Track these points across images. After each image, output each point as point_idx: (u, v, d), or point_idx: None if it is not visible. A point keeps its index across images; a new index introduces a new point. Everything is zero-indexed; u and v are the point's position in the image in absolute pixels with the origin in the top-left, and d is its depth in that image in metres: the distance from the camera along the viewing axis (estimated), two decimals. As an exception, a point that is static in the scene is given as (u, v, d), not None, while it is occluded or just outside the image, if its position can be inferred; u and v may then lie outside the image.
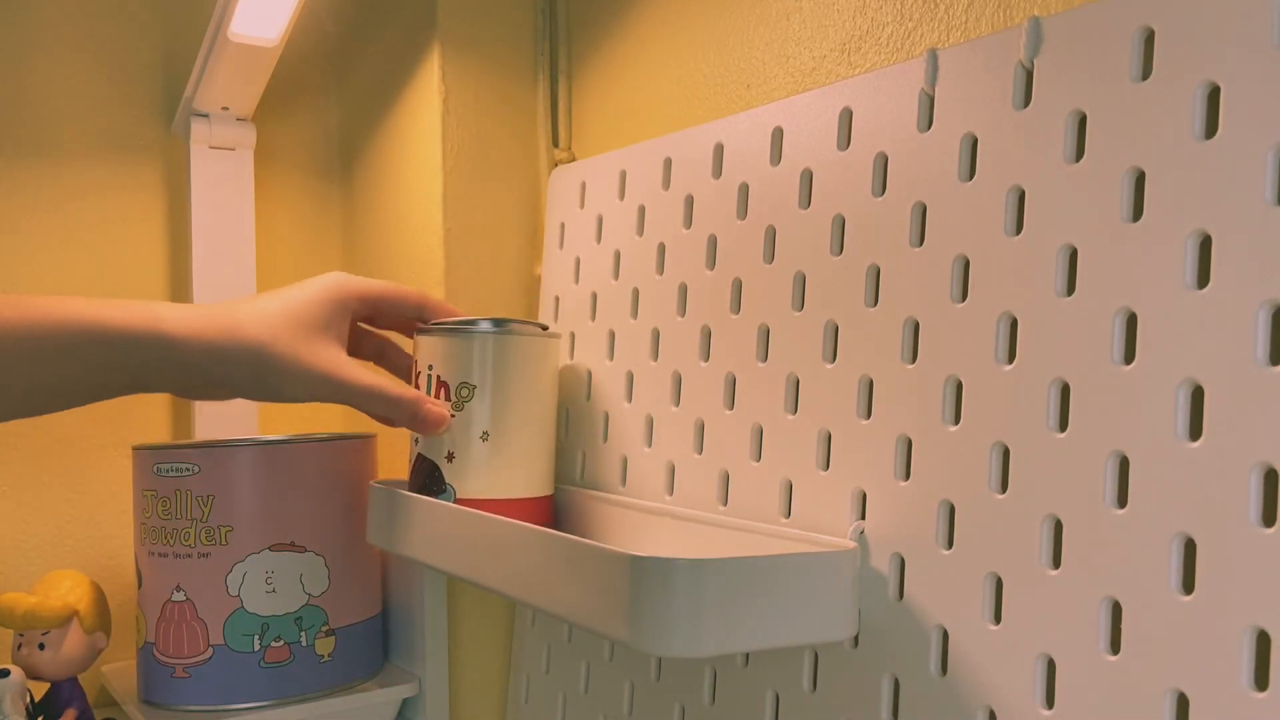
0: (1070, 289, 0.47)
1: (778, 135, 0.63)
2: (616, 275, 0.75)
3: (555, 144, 0.89)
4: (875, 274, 0.56)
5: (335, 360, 0.65)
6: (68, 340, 0.59)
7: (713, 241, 0.67)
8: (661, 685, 0.69)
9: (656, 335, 0.71)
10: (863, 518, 0.56)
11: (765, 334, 0.62)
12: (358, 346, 0.74)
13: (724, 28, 0.73)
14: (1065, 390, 0.47)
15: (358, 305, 0.69)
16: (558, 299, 0.82)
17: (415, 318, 0.72)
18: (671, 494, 0.68)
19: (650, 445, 0.70)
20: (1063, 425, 0.47)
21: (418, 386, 0.72)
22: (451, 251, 0.87)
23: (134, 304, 0.62)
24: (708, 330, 0.67)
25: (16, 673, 0.81)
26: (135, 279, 0.99)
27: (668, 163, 0.71)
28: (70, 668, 0.85)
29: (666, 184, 0.71)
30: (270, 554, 0.81)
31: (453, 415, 0.69)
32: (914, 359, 0.54)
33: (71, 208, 0.97)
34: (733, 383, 0.64)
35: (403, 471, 0.74)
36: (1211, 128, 0.43)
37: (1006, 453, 0.49)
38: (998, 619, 0.49)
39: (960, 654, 0.51)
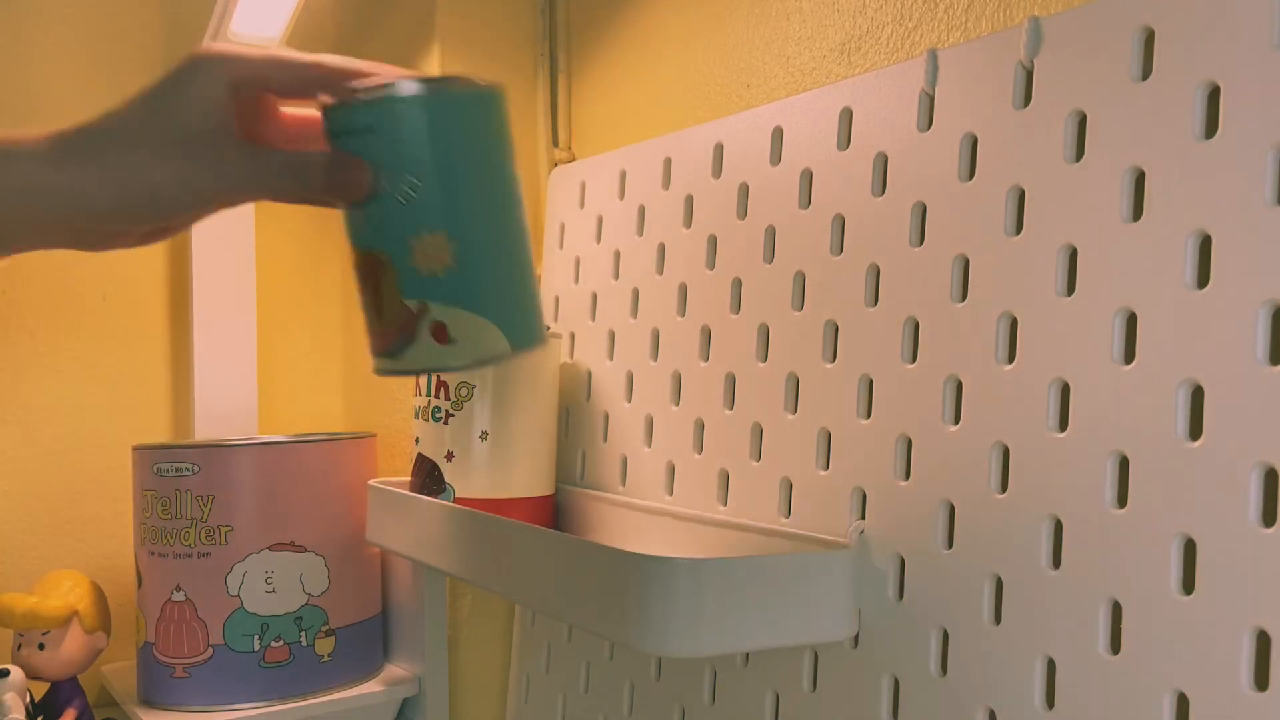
0: (1070, 289, 0.47)
1: (778, 135, 0.63)
2: (616, 275, 0.75)
3: (555, 144, 0.89)
4: (875, 274, 0.56)
5: (208, 135, 0.51)
6: None
7: (713, 241, 0.67)
8: (661, 685, 0.69)
9: (656, 335, 0.71)
10: (863, 518, 0.56)
11: (765, 334, 0.62)
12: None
13: (724, 28, 0.73)
14: (1065, 390, 0.47)
15: (229, 74, 0.52)
16: (557, 299, 0.82)
17: (316, 85, 0.55)
18: (671, 494, 0.68)
19: (650, 445, 0.70)
20: (1063, 425, 0.47)
21: (418, 387, 0.72)
22: (451, 251, 0.87)
23: None
24: (708, 330, 0.67)
25: (16, 673, 0.81)
26: (135, 278, 0.99)
27: (668, 163, 0.71)
28: (70, 668, 0.85)
29: (666, 184, 0.71)
30: (270, 554, 0.81)
31: (451, 415, 0.69)
32: (914, 359, 0.54)
33: (71, 207, 0.97)
34: (733, 382, 0.64)
35: (403, 471, 0.74)
36: (1211, 128, 0.43)
37: (1006, 453, 0.49)
38: (998, 619, 0.49)
39: (960, 654, 0.51)
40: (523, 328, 0.55)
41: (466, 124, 0.54)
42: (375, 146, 0.53)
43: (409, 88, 0.52)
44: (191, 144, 0.50)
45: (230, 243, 0.97)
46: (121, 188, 0.50)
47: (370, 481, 0.79)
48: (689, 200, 0.69)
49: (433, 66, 0.87)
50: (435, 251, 0.53)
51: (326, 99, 0.54)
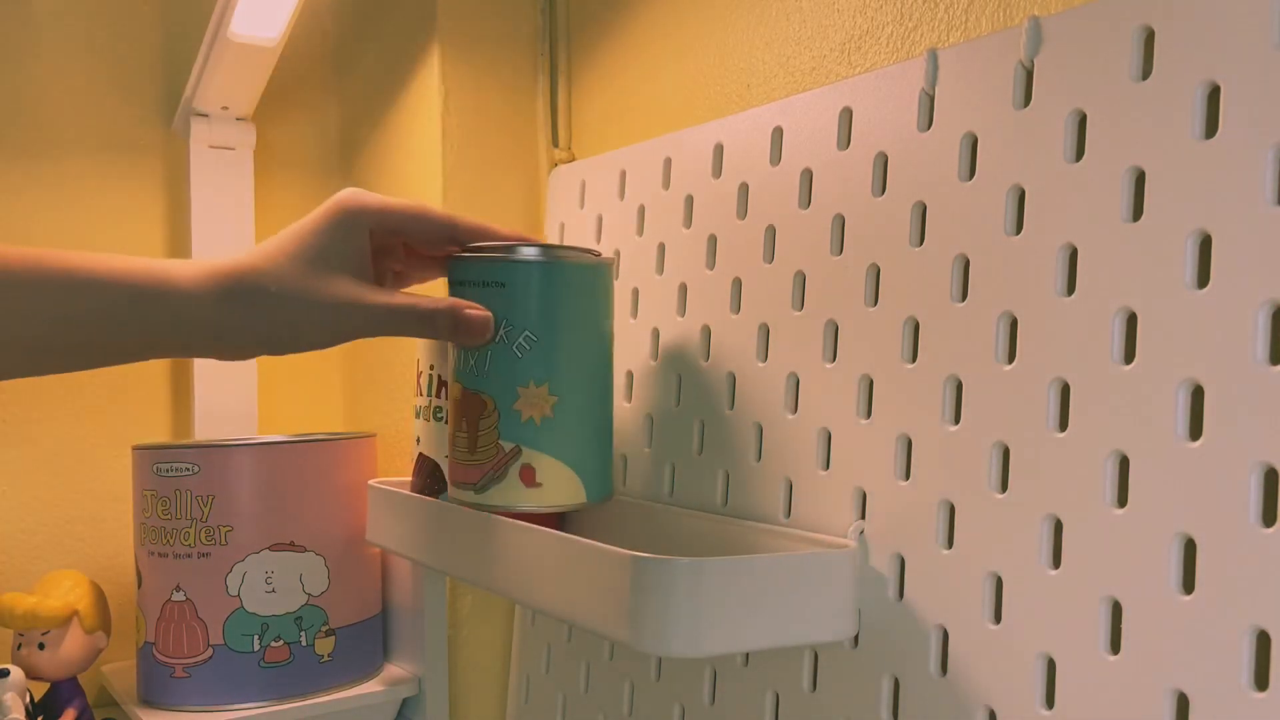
0: (1070, 289, 0.47)
1: (778, 135, 0.63)
2: (616, 275, 0.75)
3: (555, 144, 0.89)
4: (875, 274, 0.56)
5: (347, 282, 0.57)
6: (69, 290, 0.54)
7: (713, 241, 0.67)
8: (661, 685, 0.69)
9: (657, 335, 0.71)
10: (863, 518, 0.56)
11: (765, 334, 0.62)
12: (382, 277, 0.64)
13: (724, 28, 0.73)
14: (1065, 390, 0.47)
15: (372, 224, 0.59)
16: (558, 299, 0.82)
17: (447, 240, 0.62)
18: (672, 494, 0.68)
19: (650, 445, 0.70)
20: (1063, 425, 0.47)
21: (419, 387, 0.72)
22: (451, 251, 0.87)
23: (137, 259, 0.56)
24: (708, 330, 0.67)
25: (16, 673, 0.81)
26: (135, 279, 0.99)
27: (668, 163, 0.71)
28: (70, 668, 0.85)
29: (666, 184, 0.71)
30: (270, 554, 0.81)
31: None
32: (914, 359, 0.54)
33: (71, 207, 0.97)
34: (733, 382, 0.64)
35: (403, 471, 0.74)
36: (1211, 128, 0.43)
37: (1006, 453, 0.49)
38: (998, 619, 0.49)
39: (960, 654, 0.51)
40: (600, 482, 0.62)
41: (580, 289, 0.61)
42: (498, 300, 0.59)
43: (535, 252, 0.59)
44: (338, 298, 0.57)
45: (230, 243, 0.97)
46: (272, 332, 0.57)
47: (370, 481, 0.79)
48: (689, 200, 0.69)
49: (433, 66, 0.87)
50: (538, 401, 0.59)
51: (454, 250, 0.61)
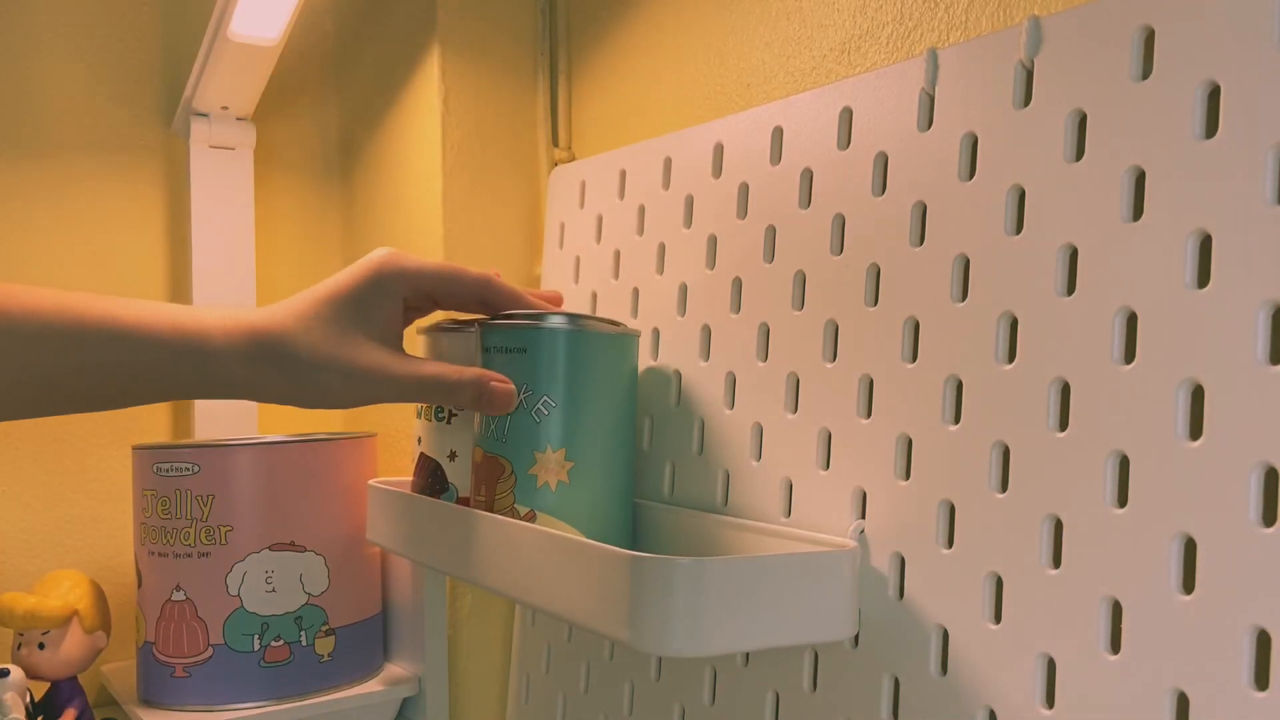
0: (1070, 289, 0.47)
1: (778, 135, 0.63)
2: (616, 275, 0.75)
3: (555, 143, 0.89)
4: (875, 274, 0.56)
5: (378, 351, 0.58)
6: (108, 343, 0.55)
7: (713, 241, 0.67)
8: (661, 685, 0.69)
9: (657, 335, 0.71)
10: (863, 517, 0.56)
11: (765, 334, 0.62)
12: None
13: (724, 28, 0.73)
14: (1065, 390, 0.47)
15: (407, 289, 0.60)
16: (558, 299, 0.82)
17: (479, 304, 0.63)
18: (671, 493, 0.68)
19: (650, 445, 0.70)
20: (1063, 425, 0.47)
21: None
22: (451, 251, 0.87)
23: (162, 306, 0.57)
24: (708, 330, 0.67)
25: (16, 672, 0.81)
26: (135, 278, 0.99)
27: (668, 162, 0.71)
28: (70, 667, 0.85)
29: (666, 184, 0.71)
30: (270, 553, 0.81)
31: (454, 414, 0.69)
32: (914, 359, 0.54)
33: (72, 207, 0.97)
34: (733, 382, 0.64)
35: (403, 471, 0.74)
36: (1211, 128, 0.43)
37: (1006, 452, 0.49)
38: (998, 619, 0.49)
39: (960, 654, 0.51)
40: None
41: (602, 359, 0.63)
42: (522, 365, 0.61)
43: (558, 320, 0.61)
44: (369, 368, 0.58)
45: (230, 243, 0.97)
46: (301, 393, 0.58)
47: (370, 481, 0.79)
48: (689, 200, 0.69)
49: (433, 66, 0.87)
50: (554, 467, 0.61)
51: (485, 317, 0.63)
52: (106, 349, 0.55)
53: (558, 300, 0.66)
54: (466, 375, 0.60)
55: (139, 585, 0.83)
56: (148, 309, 0.56)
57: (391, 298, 0.59)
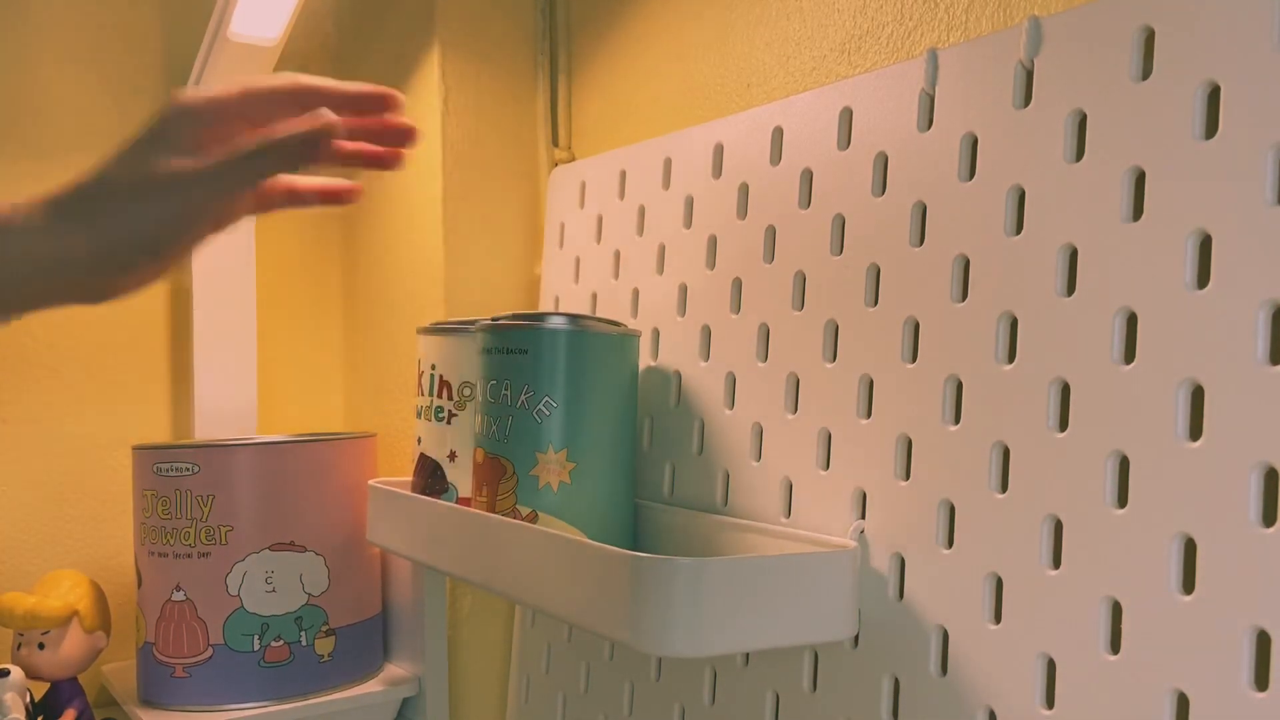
0: (1070, 289, 0.47)
1: (778, 135, 0.63)
2: (616, 275, 0.75)
3: (555, 144, 0.89)
4: (875, 274, 0.56)
5: (184, 159, 0.51)
6: None
7: (713, 241, 0.67)
8: (661, 685, 0.69)
9: (657, 335, 0.71)
10: (863, 518, 0.56)
11: (765, 334, 0.62)
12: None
13: (724, 28, 0.73)
14: (1065, 390, 0.47)
15: (206, 111, 0.53)
16: (557, 299, 0.82)
17: (292, 105, 0.54)
18: (671, 494, 0.68)
19: (650, 445, 0.70)
20: (1063, 425, 0.47)
21: (420, 387, 0.72)
22: (451, 251, 0.87)
23: None
24: (708, 330, 0.67)
25: (16, 673, 0.81)
26: (135, 279, 0.99)
27: (668, 163, 0.71)
28: (70, 667, 0.85)
29: (666, 184, 0.71)
30: (270, 554, 0.81)
31: (454, 414, 0.69)
32: (914, 359, 0.54)
33: (71, 207, 0.97)
34: (733, 382, 0.64)
35: (403, 471, 0.74)
36: (1211, 128, 0.43)
37: (1006, 453, 0.49)
38: (998, 619, 0.49)
39: (960, 654, 0.51)
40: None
41: (603, 359, 0.63)
42: (523, 366, 0.61)
43: (560, 321, 0.62)
44: (170, 172, 0.51)
45: (230, 243, 0.97)
46: (105, 237, 0.51)
47: (370, 481, 0.79)
48: (689, 200, 0.69)
49: (433, 66, 0.87)
50: (556, 467, 0.61)
51: (486, 320, 0.63)
52: None
53: (379, 97, 0.57)
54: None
55: (139, 585, 0.83)
56: None
57: (189, 121, 0.52)
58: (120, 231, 0.51)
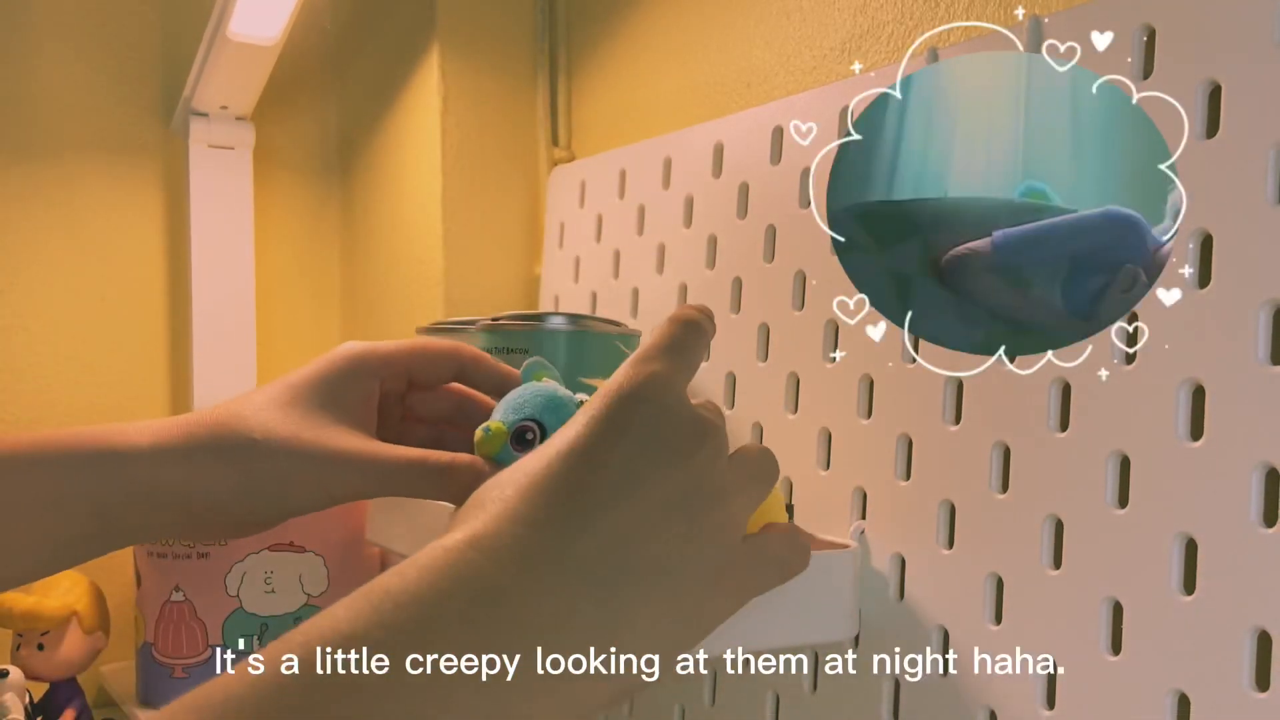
0: (1070, 289, 0.47)
1: (778, 135, 0.63)
2: (616, 275, 0.75)
3: (555, 143, 0.89)
4: (875, 274, 0.56)
5: (350, 435, 0.47)
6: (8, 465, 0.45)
7: (713, 241, 0.67)
8: (661, 685, 0.69)
9: (656, 335, 0.71)
10: (863, 518, 0.56)
11: (765, 333, 0.62)
12: (401, 435, 0.53)
13: (724, 27, 0.73)
14: (1066, 390, 0.47)
15: (382, 369, 0.51)
16: (557, 298, 0.82)
17: (454, 371, 0.54)
18: (671, 494, 0.68)
19: (650, 445, 0.70)
20: (1063, 425, 0.47)
21: None
22: (451, 251, 0.87)
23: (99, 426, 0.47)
24: (707, 330, 0.66)
25: (15, 673, 0.81)
26: (134, 278, 0.99)
27: (668, 162, 0.71)
28: (69, 668, 0.84)
29: (666, 183, 0.71)
30: (269, 554, 0.81)
31: None
32: (914, 359, 0.54)
33: (71, 207, 0.97)
34: (733, 382, 0.64)
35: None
36: (1212, 128, 0.43)
37: (1007, 452, 0.49)
38: (998, 619, 0.49)
39: (960, 654, 0.51)
40: None
41: (603, 359, 0.62)
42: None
43: (562, 321, 0.62)
44: (338, 451, 0.47)
45: (229, 242, 0.97)
46: (253, 488, 0.47)
47: (370, 481, 0.78)
48: (689, 200, 0.69)
49: (433, 66, 0.87)
50: None
51: (486, 320, 0.63)
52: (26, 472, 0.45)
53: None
54: (460, 460, 0.48)
55: (138, 586, 0.83)
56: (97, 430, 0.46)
57: (366, 379, 0.50)
58: (271, 490, 0.47)
